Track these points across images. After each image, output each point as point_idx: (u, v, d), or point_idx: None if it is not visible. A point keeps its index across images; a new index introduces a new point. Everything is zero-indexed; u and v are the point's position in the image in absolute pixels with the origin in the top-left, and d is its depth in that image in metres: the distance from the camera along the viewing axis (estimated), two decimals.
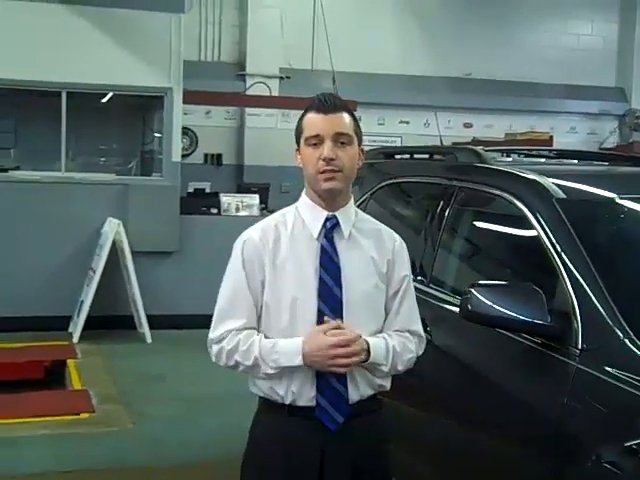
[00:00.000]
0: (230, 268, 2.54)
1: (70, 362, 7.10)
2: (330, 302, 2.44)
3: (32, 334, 7.72)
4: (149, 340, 7.93)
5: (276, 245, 2.48)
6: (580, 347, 2.68)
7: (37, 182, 8.32)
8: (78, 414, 5.80)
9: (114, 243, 7.95)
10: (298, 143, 2.52)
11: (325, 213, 2.50)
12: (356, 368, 2.44)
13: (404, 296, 2.58)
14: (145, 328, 7.95)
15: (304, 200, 2.55)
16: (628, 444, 2.34)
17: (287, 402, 2.46)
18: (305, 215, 2.52)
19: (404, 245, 2.62)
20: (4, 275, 8.05)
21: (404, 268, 2.59)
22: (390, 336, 2.52)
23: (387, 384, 2.57)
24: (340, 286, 2.45)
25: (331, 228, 2.49)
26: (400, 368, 2.55)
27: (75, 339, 7.78)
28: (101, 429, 5.53)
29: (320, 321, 2.43)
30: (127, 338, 7.96)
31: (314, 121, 2.46)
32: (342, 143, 2.45)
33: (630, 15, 12.51)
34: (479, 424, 3.11)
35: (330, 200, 2.50)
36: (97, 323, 7.82)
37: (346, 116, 2.48)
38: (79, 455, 5.07)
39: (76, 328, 7.85)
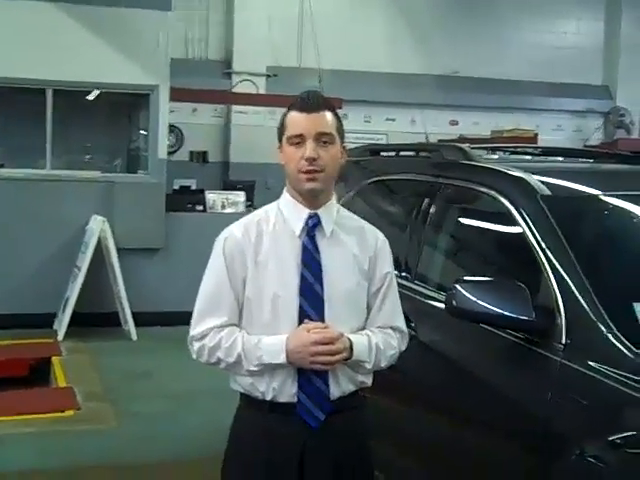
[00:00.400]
0: (211, 265, 2.53)
1: (55, 359, 7.07)
2: (311, 299, 2.44)
3: (16, 331, 7.68)
4: (134, 337, 7.91)
5: (258, 242, 2.48)
6: (564, 342, 2.70)
7: (22, 180, 8.27)
8: (63, 412, 5.77)
9: (99, 240, 7.91)
10: (280, 140, 2.51)
11: (307, 211, 2.50)
12: (338, 365, 2.44)
13: (387, 293, 2.58)
14: (130, 325, 7.93)
15: (286, 198, 2.55)
16: (612, 438, 2.36)
17: (268, 398, 2.46)
18: (287, 213, 2.52)
19: (387, 242, 2.62)
20: None
21: (386, 265, 2.59)
22: (373, 333, 2.53)
23: (369, 380, 2.58)
24: (321, 283, 2.45)
25: (313, 226, 2.49)
26: (383, 364, 2.55)
27: (60, 336, 7.74)
28: (86, 426, 5.51)
29: (302, 319, 2.43)
30: (112, 335, 7.92)
31: (297, 120, 2.46)
32: (324, 142, 2.45)
33: (616, 13, 12.60)
34: (464, 420, 3.12)
35: (312, 199, 2.50)
36: (82, 320, 7.77)
37: (329, 115, 2.48)
38: (64, 453, 5.04)
39: (61, 325, 7.81)
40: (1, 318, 7.85)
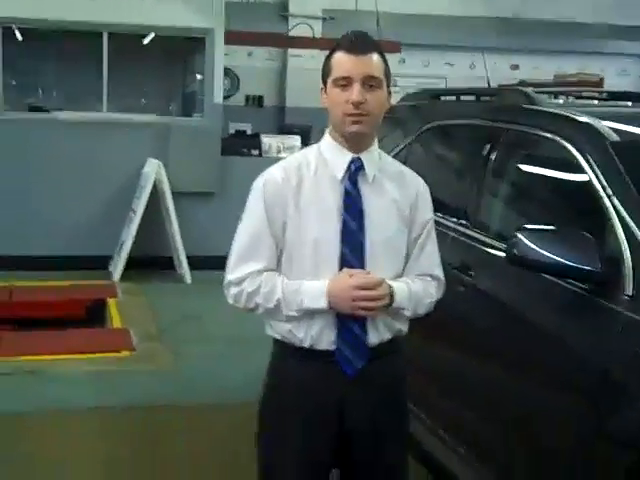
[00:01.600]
0: (250, 208, 2.48)
1: (110, 301, 7.18)
2: (352, 245, 2.40)
3: (73, 273, 7.82)
4: (189, 281, 7.98)
5: (299, 186, 2.42)
6: (630, 294, 2.61)
7: (79, 123, 8.32)
8: (119, 352, 5.88)
9: (155, 184, 7.95)
10: (325, 82, 2.43)
11: (350, 155, 2.44)
12: (378, 312, 2.40)
13: (426, 240, 2.53)
14: (185, 269, 8.00)
15: (328, 141, 2.48)
16: None
17: (306, 345, 2.42)
18: (328, 156, 2.46)
19: (427, 188, 2.56)
20: (46, 215, 8.12)
21: (427, 212, 2.54)
22: (412, 280, 2.49)
23: (405, 328, 2.55)
24: (363, 230, 2.40)
25: (355, 171, 2.43)
26: (421, 312, 2.53)
27: (115, 278, 7.85)
28: (141, 367, 5.60)
29: (343, 264, 2.39)
30: (167, 278, 8.01)
31: (343, 62, 2.37)
32: (371, 86, 2.36)
33: None
34: (522, 369, 3.06)
35: (355, 142, 2.43)
36: (137, 263, 7.87)
37: (376, 58, 2.39)
38: (119, 392, 5.13)
39: (116, 268, 7.92)
40: (58, 260, 7.99)
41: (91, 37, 8.32)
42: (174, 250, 8.10)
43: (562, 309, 2.95)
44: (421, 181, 2.56)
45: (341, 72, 2.37)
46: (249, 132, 9.55)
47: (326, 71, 2.43)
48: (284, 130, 9.58)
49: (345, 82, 2.36)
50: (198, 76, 9.16)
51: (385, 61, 2.43)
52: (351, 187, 2.42)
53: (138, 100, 10.03)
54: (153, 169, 7.97)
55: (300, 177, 2.43)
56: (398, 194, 2.48)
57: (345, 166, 2.43)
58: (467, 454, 3.40)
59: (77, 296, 7.30)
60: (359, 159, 2.44)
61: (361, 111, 2.35)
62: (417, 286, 2.48)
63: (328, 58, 2.44)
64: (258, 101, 10.97)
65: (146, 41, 9.01)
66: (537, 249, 2.75)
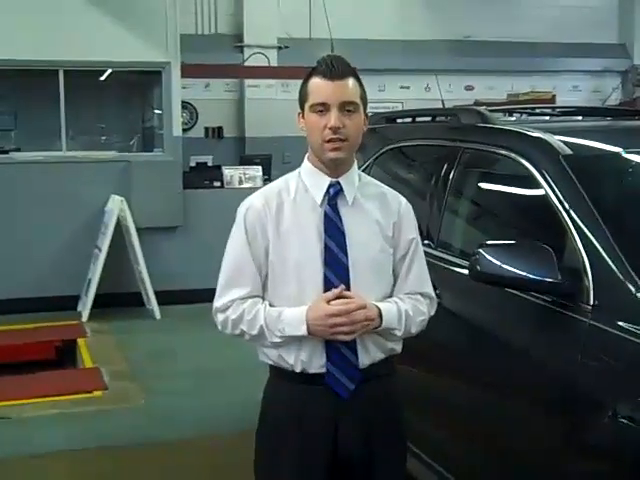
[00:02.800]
0: (233, 236, 2.50)
1: (80, 341, 7.11)
2: (336, 268, 2.41)
3: (41, 315, 7.74)
4: (158, 316, 7.94)
5: (279, 212, 2.45)
6: (592, 303, 2.65)
7: (39, 162, 8.28)
8: (91, 392, 5.82)
9: (119, 220, 7.92)
10: (302, 108, 2.46)
11: (328, 179, 2.46)
12: (368, 333, 2.41)
13: (413, 259, 2.54)
14: (153, 304, 7.95)
15: (307, 166, 2.51)
16: None
17: (298, 370, 2.44)
18: (308, 181, 2.48)
19: (410, 207, 2.58)
20: (10, 257, 8.04)
21: (411, 230, 2.56)
22: (401, 299, 2.50)
23: (398, 347, 2.55)
24: (345, 252, 2.42)
25: (334, 194, 2.46)
26: (413, 331, 2.53)
27: (84, 318, 7.78)
28: (114, 406, 5.55)
29: (328, 288, 2.39)
30: (136, 315, 7.96)
31: (320, 88, 2.39)
32: (348, 111, 2.39)
33: None
34: (491, 385, 3.09)
35: (334, 167, 2.45)
36: (105, 301, 7.82)
37: (353, 82, 2.41)
38: (93, 433, 5.07)
39: (85, 307, 7.85)
40: (26, 302, 7.90)
41: (47, 75, 8.30)
42: (142, 286, 8.06)
43: (528, 323, 2.99)
44: (403, 200, 2.58)
45: (318, 98, 2.39)
46: (210, 164, 9.57)
47: (303, 97, 2.45)
48: (245, 161, 9.61)
49: (322, 108, 2.39)
50: (157, 110, 9.17)
51: (361, 85, 2.46)
52: (330, 210, 2.44)
53: (98, 137, 10.00)
54: (116, 205, 7.94)
55: (280, 202, 2.46)
56: (380, 215, 2.50)
57: (324, 190, 2.45)
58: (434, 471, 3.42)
59: (46, 338, 7.21)
60: (338, 183, 2.46)
61: (339, 136, 2.37)
62: (407, 305, 2.49)
63: (304, 84, 2.46)
64: (218, 133, 11.01)
65: (103, 77, 9.01)
66: (499, 264, 2.79)
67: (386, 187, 2.60)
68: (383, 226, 2.49)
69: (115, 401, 5.64)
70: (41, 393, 5.77)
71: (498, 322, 3.17)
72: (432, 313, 2.59)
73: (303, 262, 2.41)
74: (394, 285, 2.53)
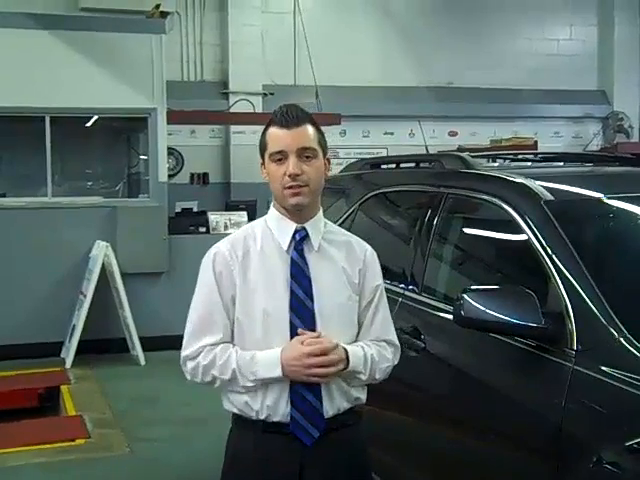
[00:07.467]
0: (201, 282, 2.50)
1: (64, 388, 7.04)
2: (303, 315, 2.42)
3: (24, 361, 7.66)
4: (143, 362, 7.88)
5: (245, 258, 2.46)
6: (575, 348, 2.67)
7: (23, 208, 8.26)
8: (73, 440, 5.74)
9: (103, 266, 7.90)
10: (263, 157, 2.49)
11: (294, 225, 2.48)
12: (332, 378, 2.41)
13: (377, 306, 2.56)
14: (138, 350, 7.90)
15: (273, 213, 2.53)
16: (629, 443, 2.32)
17: (262, 417, 2.42)
18: (274, 228, 2.50)
19: (375, 255, 2.60)
20: None
21: (376, 278, 2.57)
22: (367, 345, 2.51)
23: (363, 396, 2.55)
24: (312, 298, 2.43)
25: (300, 240, 2.47)
26: (378, 377, 2.53)
27: (68, 364, 7.71)
28: (97, 455, 5.48)
29: (294, 334, 2.40)
30: (120, 361, 7.90)
31: (277, 136, 2.43)
32: (307, 157, 2.42)
33: (608, 17, 12.60)
34: (476, 430, 3.08)
35: (298, 213, 2.47)
36: (90, 347, 7.76)
37: (310, 129, 2.45)
38: None
39: (68, 353, 7.78)
40: (9, 348, 7.82)
41: (33, 122, 8.33)
42: (126, 332, 8.01)
43: (512, 367, 2.99)
44: (369, 248, 2.60)
45: (276, 147, 2.43)
46: (195, 210, 9.59)
47: (262, 146, 2.49)
48: (230, 206, 9.64)
49: (281, 156, 2.42)
50: (143, 156, 9.20)
51: (319, 130, 2.49)
52: (297, 256, 2.46)
53: (84, 182, 10.00)
54: (101, 251, 7.93)
55: (246, 249, 2.47)
56: (346, 262, 2.51)
57: (290, 236, 2.47)
58: None
59: (29, 385, 7.12)
60: (304, 229, 2.48)
61: (299, 182, 2.40)
62: (372, 350, 2.49)
63: (263, 134, 2.49)
64: (203, 178, 11.05)
65: (89, 123, 9.05)
66: (482, 309, 2.80)
67: (351, 235, 2.63)
68: (349, 273, 2.50)
69: (98, 449, 5.57)
70: (23, 442, 5.69)
71: (482, 367, 3.17)
72: (396, 362, 2.60)
73: (270, 309, 2.42)
74: (359, 332, 2.53)
